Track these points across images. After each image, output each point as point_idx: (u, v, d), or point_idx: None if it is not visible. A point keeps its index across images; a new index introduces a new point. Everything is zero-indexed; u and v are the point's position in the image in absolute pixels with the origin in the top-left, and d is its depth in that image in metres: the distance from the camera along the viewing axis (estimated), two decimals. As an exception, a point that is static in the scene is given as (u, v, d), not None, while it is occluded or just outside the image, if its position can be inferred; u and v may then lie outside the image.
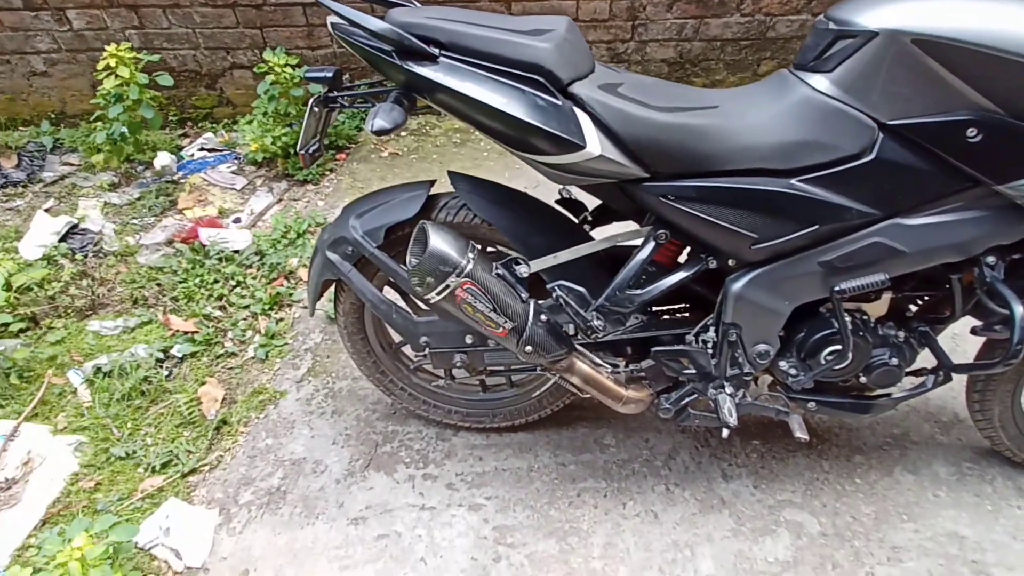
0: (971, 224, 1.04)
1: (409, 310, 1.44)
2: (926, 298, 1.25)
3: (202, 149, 2.71)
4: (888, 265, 1.09)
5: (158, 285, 2.11)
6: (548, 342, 1.19)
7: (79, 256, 2.20)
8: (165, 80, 2.32)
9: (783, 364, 1.27)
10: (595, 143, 1.02)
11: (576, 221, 1.34)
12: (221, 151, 2.69)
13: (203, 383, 1.81)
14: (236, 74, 2.81)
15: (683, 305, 1.32)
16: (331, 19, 1.08)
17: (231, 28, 2.64)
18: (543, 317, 1.19)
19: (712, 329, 1.25)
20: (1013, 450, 1.50)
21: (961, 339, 1.79)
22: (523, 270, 1.20)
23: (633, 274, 1.17)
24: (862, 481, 1.55)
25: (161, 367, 1.85)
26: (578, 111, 1.03)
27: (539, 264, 1.20)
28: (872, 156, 1.01)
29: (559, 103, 1.03)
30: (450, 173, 1.29)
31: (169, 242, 2.25)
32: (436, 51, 1.04)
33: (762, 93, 1.10)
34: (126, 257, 2.23)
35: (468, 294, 1.11)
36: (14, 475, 1.63)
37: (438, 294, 1.11)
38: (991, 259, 1.09)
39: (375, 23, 1.01)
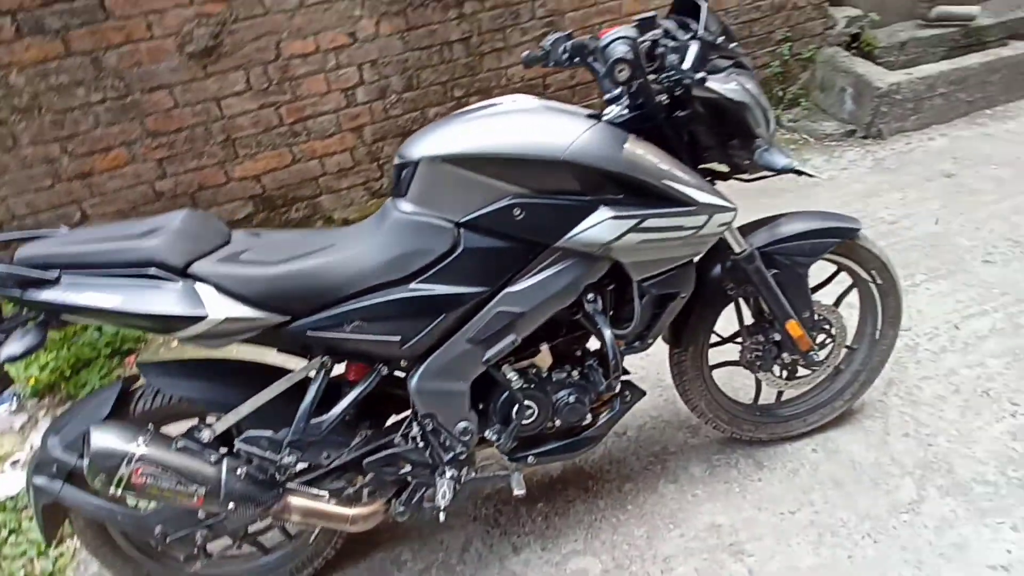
0: (562, 275, 1.27)
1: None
2: (576, 337, 1.46)
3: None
4: (516, 327, 1.29)
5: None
6: (251, 493, 1.26)
7: None
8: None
9: (488, 433, 1.42)
10: (219, 309, 1.16)
11: (270, 365, 1.44)
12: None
13: (-28, 656, 1.65)
14: None
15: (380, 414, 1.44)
16: None
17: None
18: (240, 471, 1.26)
19: (414, 424, 1.38)
20: (733, 430, 1.72)
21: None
22: (207, 435, 1.28)
23: (310, 406, 1.29)
24: (633, 506, 1.69)
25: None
26: (200, 286, 1.18)
27: (223, 424, 1.28)
28: (461, 248, 1.22)
29: (178, 285, 1.17)
30: (138, 364, 1.38)
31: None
32: (56, 274, 1.15)
33: (371, 223, 1.31)
34: None
35: (147, 477, 1.17)
36: None
37: (115, 487, 1.16)
38: (590, 296, 1.32)
39: None
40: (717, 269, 1.47)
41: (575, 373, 1.44)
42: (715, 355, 1.66)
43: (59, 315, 1.16)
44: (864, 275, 1.59)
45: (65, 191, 2.37)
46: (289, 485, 1.34)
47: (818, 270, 1.53)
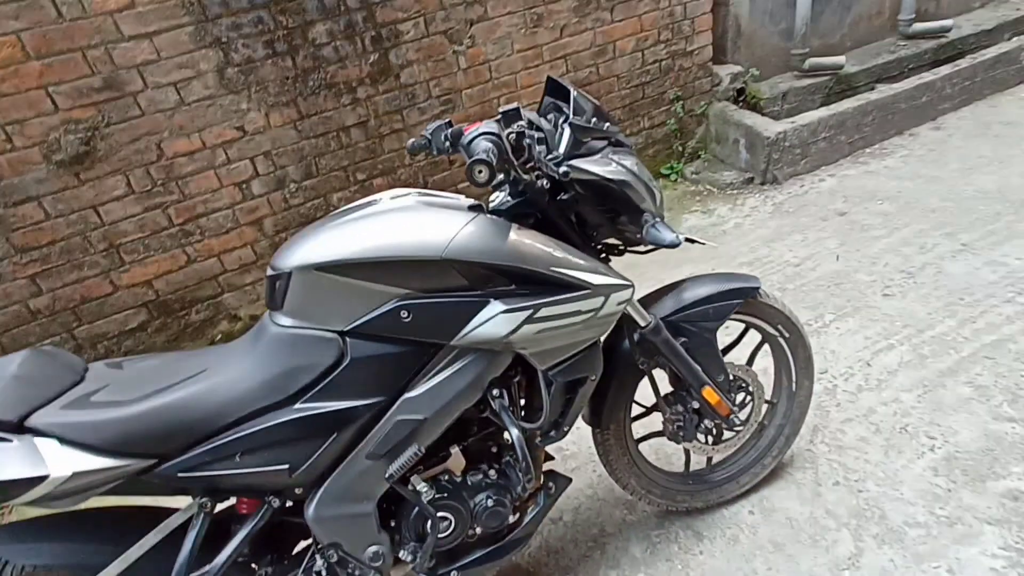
0: (463, 373, 1.19)
1: None
2: (490, 434, 1.38)
3: None
4: (419, 435, 1.19)
5: None
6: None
7: None
8: None
9: (402, 553, 1.29)
10: (63, 465, 1.00)
11: (149, 508, 1.27)
12: None
13: None
14: None
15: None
16: None
17: None
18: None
19: (317, 557, 1.23)
20: (667, 503, 1.65)
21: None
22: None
23: (188, 557, 1.13)
24: (574, 602, 1.58)
25: None
26: (40, 441, 1.02)
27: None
28: (348, 359, 1.13)
29: (11, 443, 1.01)
30: (-18, 532, 1.18)
31: None
32: None
33: (246, 341, 1.20)
34: None
35: None
36: None
37: None
38: (495, 391, 1.25)
39: None
40: (625, 344, 1.43)
41: (492, 472, 1.34)
42: (640, 427, 1.61)
43: None
44: (771, 330, 1.59)
45: (-80, 321, 2.12)
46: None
47: (728, 331, 1.52)
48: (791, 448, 1.75)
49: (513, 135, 1.07)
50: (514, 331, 1.15)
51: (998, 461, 1.67)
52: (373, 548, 1.24)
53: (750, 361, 1.64)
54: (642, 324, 1.38)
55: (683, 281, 1.52)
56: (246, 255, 2.52)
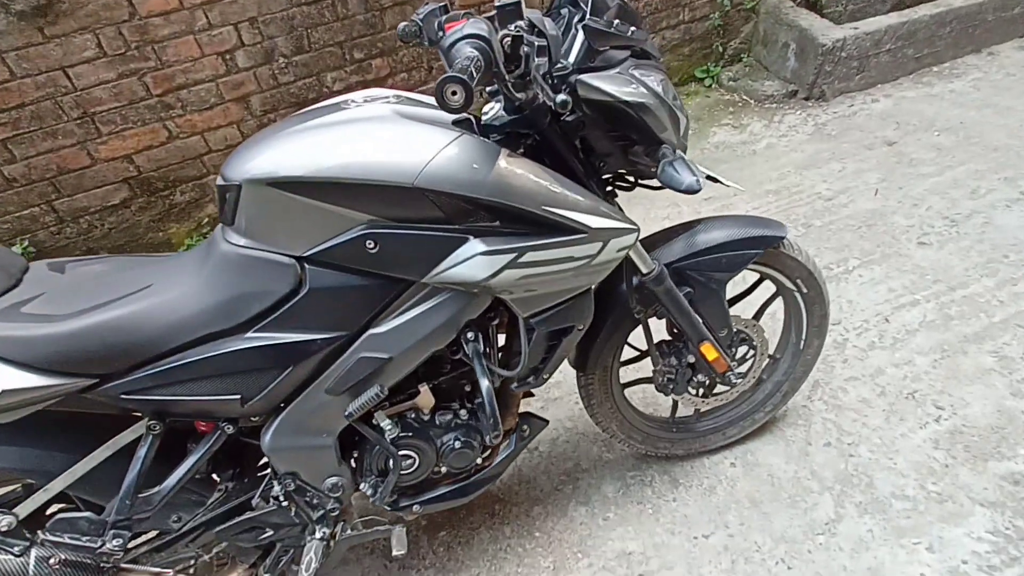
0: (435, 313, 1.07)
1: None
2: (463, 373, 1.28)
3: None
4: (382, 375, 1.09)
5: None
6: (71, 582, 1.06)
7: None
8: None
9: (363, 486, 1.24)
10: None
11: (104, 423, 1.22)
12: None
13: None
14: None
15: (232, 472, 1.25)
16: None
17: None
18: (55, 560, 1.06)
19: (275, 483, 1.19)
20: (648, 448, 1.60)
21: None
22: (7, 521, 1.06)
23: (136, 477, 1.08)
24: (541, 533, 1.57)
25: None
26: None
27: (29, 506, 1.07)
28: (307, 288, 1.00)
29: None
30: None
31: None
32: None
33: (197, 256, 1.07)
34: None
35: (-75, 580, 0.96)
36: None
37: None
38: (470, 334, 1.13)
39: None
40: (622, 289, 1.29)
41: (462, 412, 1.26)
42: (628, 371, 1.51)
43: None
44: (789, 284, 1.44)
45: None
46: (124, 564, 1.15)
47: (738, 279, 1.37)
48: (787, 404, 1.67)
49: (508, 40, 0.86)
50: (494, 275, 1.01)
51: (1006, 441, 1.58)
52: (332, 480, 1.19)
53: (758, 315, 1.51)
54: (644, 271, 1.23)
55: (698, 222, 1.35)
56: (232, 135, 2.32)
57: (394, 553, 1.25)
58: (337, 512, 1.24)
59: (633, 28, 1.03)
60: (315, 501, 1.21)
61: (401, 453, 1.21)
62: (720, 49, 3.15)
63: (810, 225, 2.32)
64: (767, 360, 1.57)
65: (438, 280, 1.02)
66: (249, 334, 1.01)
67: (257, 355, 1.02)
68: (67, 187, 2.20)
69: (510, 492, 1.67)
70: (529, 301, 1.10)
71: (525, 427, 1.36)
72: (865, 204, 2.38)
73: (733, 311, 1.42)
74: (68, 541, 1.07)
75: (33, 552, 1.05)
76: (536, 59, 0.89)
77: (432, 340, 1.09)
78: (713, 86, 3.18)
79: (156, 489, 1.10)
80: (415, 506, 1.30)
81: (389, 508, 1.29)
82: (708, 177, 1.21)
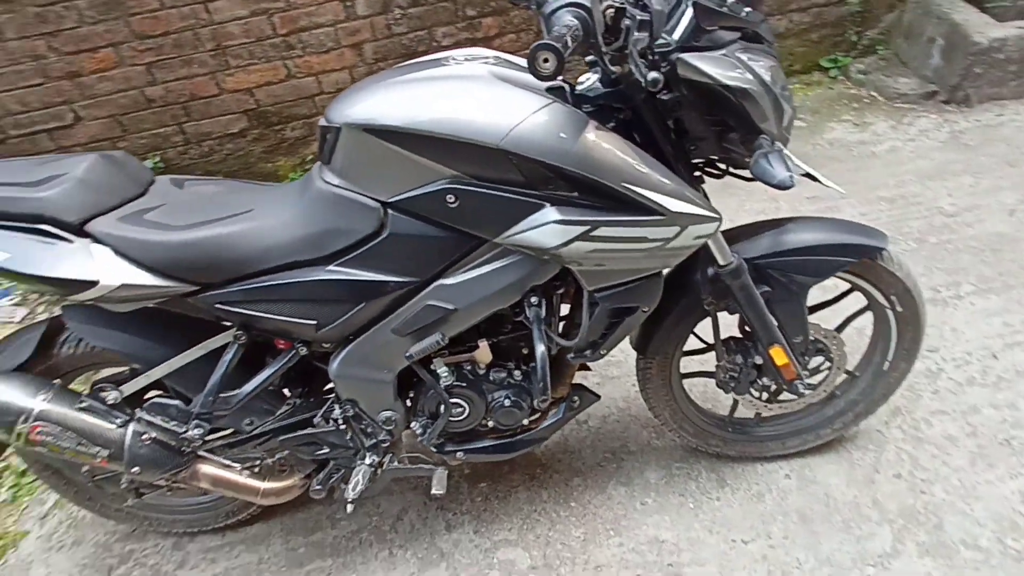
0: (503, 273, 1.10)
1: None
2: (523, 335, 1.30)
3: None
4: (444, 324, 1.14)
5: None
6: (158, 459, 1.21)
7: None
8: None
9: (414, 425, 1.31)
10: (113, 275, 1.05)
11: (203, 327, 1.35)
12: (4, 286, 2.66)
13: (-54, 540, 1.77)
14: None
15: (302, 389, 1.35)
16: None
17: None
18: (146, 436, 1.21)
19: (336, 407, 1.28)
20: (698, 443, 1.57)
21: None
22: (114, 396, 1.22)
23: (220, 379, 1.20)
24: (577, 504, 1.60)
25: (-96, 531, 1.81)
26: (95, 247, 1.07)
27: (133, 385, 1.22)
28: (387, 232, 1.06)
29: (71, 244, 1.06)
30: (63, 307, 1.31)
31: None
32: None
33: (295, 189, 1.15)
34: None
35: (45, 435, 1.13)
36: None
37: (16, 440, 1.13)
38: (534, 299, 1.15)
39: None
40: (696, 278, 1.26)
41: (516, 373, 1.30)
42: (690, 364, 1.48)
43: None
44: (882, 300, 1.34)
45: (55, 90, 2.27)
46: (200, 452, 1.29)
47: (826, 286, 1.30)
48: (859, 426, 1.58)
49: (611, 11, 0.84)
50: (564, 244, 1.02)
51: (1108, 510, 1.42)
52: (387, 413, 1.27)
53: (841, 327, 1.42)
54: (721, 263, 1.19)
55: (789, 220, 1.28)
56: (343, 79, 2.43)
57: (433, 491, 1.33)
58: (387, 444, 1.32)
59: (748, 9, 0.98)
60: (369, 430, 1.30)
61: (453, 400, 1.26)
62: (853, 38, 2.89)
63: (923, 241, 2.13)
64: (844, 376, 1.48)
65: (510, 242, 1.04)
66: (330, 267, 1.09)
67: (334, 287, 1.10)
68: (195, 112, 2.41)
69: (553, 459, 1.70)
70: (596, 275, 1.10)
71: (576, 398, 1.38)
72: (994, 226, 2.15)
73: (814, 319, 1.35)
74: (159, 423, 1.22)
75: (131, 427, 1.21)
76: (636, 33, 0.87)
77: (496, 299, 1.12)
78: (839, 78, 2.94)
79: (235, 392, 1.22)
80: (459, 453, 1.37)
81: (435, 450, 1.36)
82: (807, 175, 1.15)
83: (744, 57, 0.97)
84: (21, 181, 1.09)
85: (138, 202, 1.16)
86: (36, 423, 1.12)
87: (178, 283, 1.10)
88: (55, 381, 1.20)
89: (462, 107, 0.97)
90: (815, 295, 1.30)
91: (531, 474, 1.67)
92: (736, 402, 1.54)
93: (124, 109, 2.35)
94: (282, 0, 2.20)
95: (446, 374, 1.24)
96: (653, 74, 0.87)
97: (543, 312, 1.15)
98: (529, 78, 1.05)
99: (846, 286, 1.38)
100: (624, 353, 1.90)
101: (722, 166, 1.17)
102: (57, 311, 1.30)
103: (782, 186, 0.96)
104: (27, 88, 2.25)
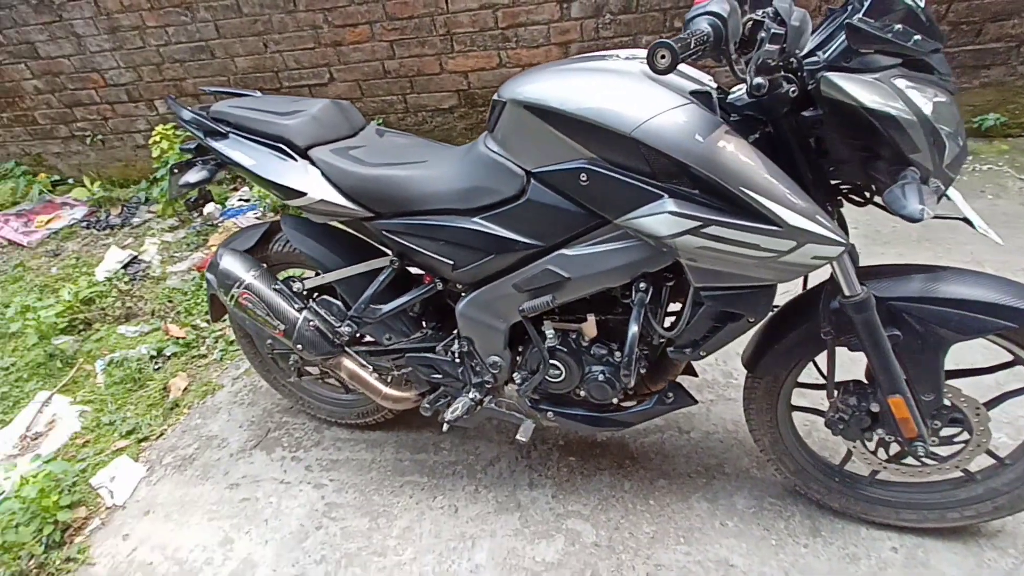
0: (619, 254, 1.19)
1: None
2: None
3: (240, 200, 3.41)
4: (558, 289, 1.27)
5: (170, 301, 2.75)
6: (315, 342, 1.51)
7: (128, 280, 2.93)
8: (196, 149, 3.11)
9: (516, 375, 1.46)
10: (316, 191, 1.36)
11: (372, 251, 1.64)
12: (252, 202, 3.37)
13: (175, 375, 2.35)
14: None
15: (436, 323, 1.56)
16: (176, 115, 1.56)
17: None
18: (312, 324, 1.52)
19: (456, 342, 1.49)
20: (797, 482, 1.49)
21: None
22: (297, 286, 1.55)
23: (374, 293, 1.46)
24: (655, 503, 1.62)
25: (153, 362, 2.43)
26: (312, 168, 1.39)
27: (313, 281, 1.54)
28: (526, 198, 1.22)
29: (296, 162, 1.39)
30: (282, 214, 1.69)
31: (189, 270, 2.91)
32: (227, 130, 1.46)
33: (461, 151, 1.37)
34: (160, 280, 2.93)
35: (248, 301, 1.49)
36: (41, 431, 2.27)
37: (229, 300, 1.50)
38: (643, 284, 1.23)
39: (186, 114, 1.47)
40: (820, 304, 1.22)
41: (616, 354, 1.38)
42: (805, 395, 1.42)
43: (219, 161, 1.48)
44: (1048, 380, 1.18)
45: (320, 55, 2.83)
46: (348, 349, 1.58)
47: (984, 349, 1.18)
48: (999, 521, 1.38)
49: (750, 23, 0.89)
50: (674, 236, 1.08)
51: None
52: (495, 358, 1.44)
53: (994, 402, 1.26)
54: (846, 293, 1.15)
55: (943, 268, 1.18)
56: (545, 74, 2.66)
57: (518, 437, 1.47)
58: (490, 386, 1.49)
59: (918, 36, 0.95)
60: (477, 368, 1.48)
61: (552, 361, 1.39)
62: None
63: None
64: (987, 458, 1.31)
65: (628, 225, 1.13)
66: (475, 219, 1.28)
67: (473, 236, 1.28)
68: (418, 86, 2.82)
69: (645, 457, 1.74)
70: (705, 273, 1.14)
71: (670, 394, 1.42)
72: None
73: (960, 383, 1.23)
74: (323, 314, 1.53)
75: (303, 313, 1.53)
76: (768, 45, 0.91)
77: (607, 276, 1.22)
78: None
79: (381, 306, 1.48)
80: (550, 412, 1.49)
81: (529, 403, 1.50)
82: (964, 220, 1.07)
83: (901, 84, 0.94)
84: (276, 111, 1.46)
85: (348, 141, 1.47)
86: (244, 291, 1.49)
87: (360, 208, 1.37)
88: (263, 266, 1.57)
89: (609, 96, 1.08)
90: (974, 358, 1.18)
91: (619, 463, 1.73)
92: (850, 452, 1.44)
93: (366, 76, 2.84)
94: (508, -3, 2.50)
95: (552, 336, 1.36)
96: (758, 79, 0.90)
97: (647, 298, 1.22)
98: (679, 80, 1.13)
99: (1009, 357, 1.22)
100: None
101: (867, 193, 1.13)
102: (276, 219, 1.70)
103: (911, 218, 0.92)
104: (303, 50, 2.84)
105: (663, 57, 0.84)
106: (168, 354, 2.47)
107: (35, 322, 2.49)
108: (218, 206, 3.36)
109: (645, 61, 1.16)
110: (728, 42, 0.89)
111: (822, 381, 1.43)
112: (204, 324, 2.62)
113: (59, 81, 3.44)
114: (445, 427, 1.51)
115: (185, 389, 2.30)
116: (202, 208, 3.12)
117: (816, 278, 1.23)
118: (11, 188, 3.80)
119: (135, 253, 3.09)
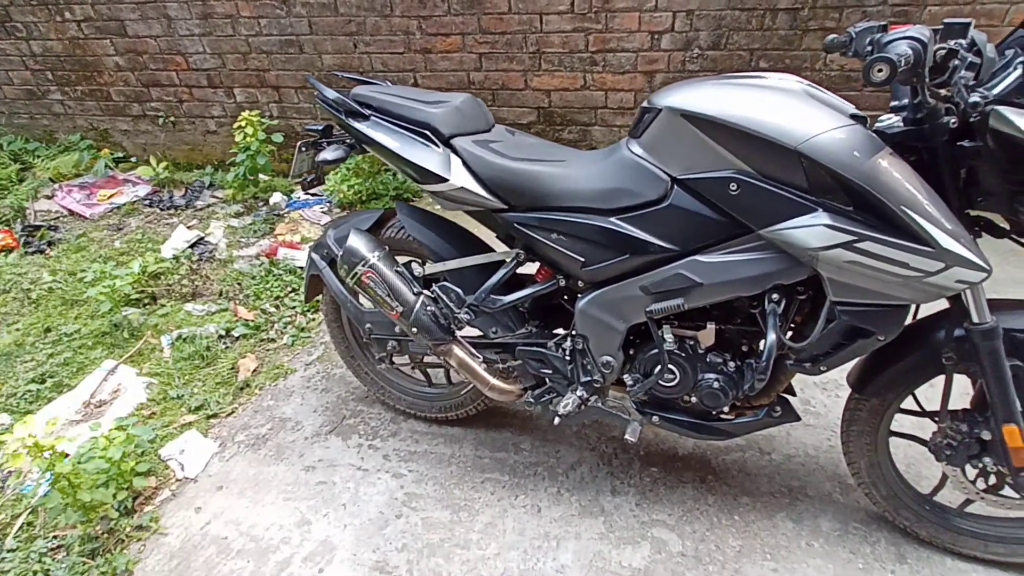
0: (755, 264, 1.25)
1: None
2: (749, 332, 1.42)
3: (307, 193, 3.48)
4: (688, 294, 1.32)
5: (239, 284, 2.79)
6: (431, 327, 1.56)
7: (195, 259, 2.98)
8: (277, 138, 3.17)
9: (627, 377, 1.50)
10: (458, 178, 1.43)
11: (484, 243, 1.69)
12: (319, 196, 3.44)
13: (244, 356, 2.38)
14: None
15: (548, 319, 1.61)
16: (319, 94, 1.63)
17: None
18: (429, 308, 1.56)
19: (569, 339, 1.53)
20: (887, 509, 1.52)
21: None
22: (418, 270, 1.60)
23: (495, 283, 1.51)
24: (740, 519, 1.64)
25: (221, 341, 2.46)
26: (453, 156, 1.45)
27: (432, 268, 1.59)
28: (668, 202, 1.29)
29: (439, 149, 1.46)
30: (396, 203, 1.75)
31: (257, 256, 2.96)
32: (368, 112, 1.53)
33: (601, 153, 1.43)
34: (227, 263, 2.97)
35: (370, 280, 1.54)
36: (106, 399, 2.29)
37: (351, 278, 1.55)
38: (775, 295, 1.28)
39: (331, 94, 1.54)
40: (943, 330, 1.28)
41: (731, 364, 1.43)
42: (904, 421, 1.46)
43: (360, 141, 1.55)
44: None
45: (408, 60, 2.93)
46: (459, 336, 1.63)
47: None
48: (1090, 563, 1.40)
49: (943, 52, 0.97)
50: (825, 248, 1.14)
51: None
52: (607, 358, 1.48)
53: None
54: (975, 320, 1.21)
55: (1074, 307, 1.24)
56: (627, 99, 2.76)
57: (626, 437, 1.51)
58: (598, 385, 1.53)
59: None
60: (588, 367, 1.52)
61: (668, 366, 1.43)
62: None
63: None
64: (1086, 498, 1.35)
65: (773, 236, 1.19)
66: (612, 219, 1.34)
67: (609, 235, 1.34)
68: (500, 99, 2.91)
69: (727, 474, 1.77)
70: (846, 288, 1.19)
71: (778, 408, 1.46)
72: None
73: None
74: (443, 298, 1.58)
75: (421, 297, 1.58)
76: (963, 72, 0.98)
77: (740, 285, 1.27)
78: None
79: (496, 299, 1.53)
80: (655, 416, 1.53)
81: (635, 406, 1.54)
82: None
83: None
84: (422, 100, 1.53)
85: (486, 135, 1.54)
86: (369, 270, 1.54)
87: (496, 199, 1.43)
88: (386, 247, 1.62)
89: (773, 110, 1.15)
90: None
91: (702, 477, 1.76)
92: (944, 480, 1.47)
93: (450, 85, 2.94)
94: (601, 24, 2.60)
95: (670, 340, 1.41)
96: (975, 96, 0.97)
97: (780, 310, 1.27)
98: (834, 102, 1.20)
99: None
100: (826, 407, 1.91)
101: (1005, 227, 1.19)
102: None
103: None
104: (391, 54, 2.95)
105: (880, 71, 0.91)
106: (236, 335, 2.51)
107: (110, 290, 2.53)
108: (284, 196, 3.43)
109: (799, 82, 1.25)
110: (924, 66, 0.96)
111: (916, 407, 1.49)
112: (272, 309, 2.66)
113: (141, 60, 3.54)
114: (556, 420, 1.54)
115: (254, 371, 2.33)
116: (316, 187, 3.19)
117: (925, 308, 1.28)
118: (75, 160, 3.87)
119: (202, 234, 3.14)
